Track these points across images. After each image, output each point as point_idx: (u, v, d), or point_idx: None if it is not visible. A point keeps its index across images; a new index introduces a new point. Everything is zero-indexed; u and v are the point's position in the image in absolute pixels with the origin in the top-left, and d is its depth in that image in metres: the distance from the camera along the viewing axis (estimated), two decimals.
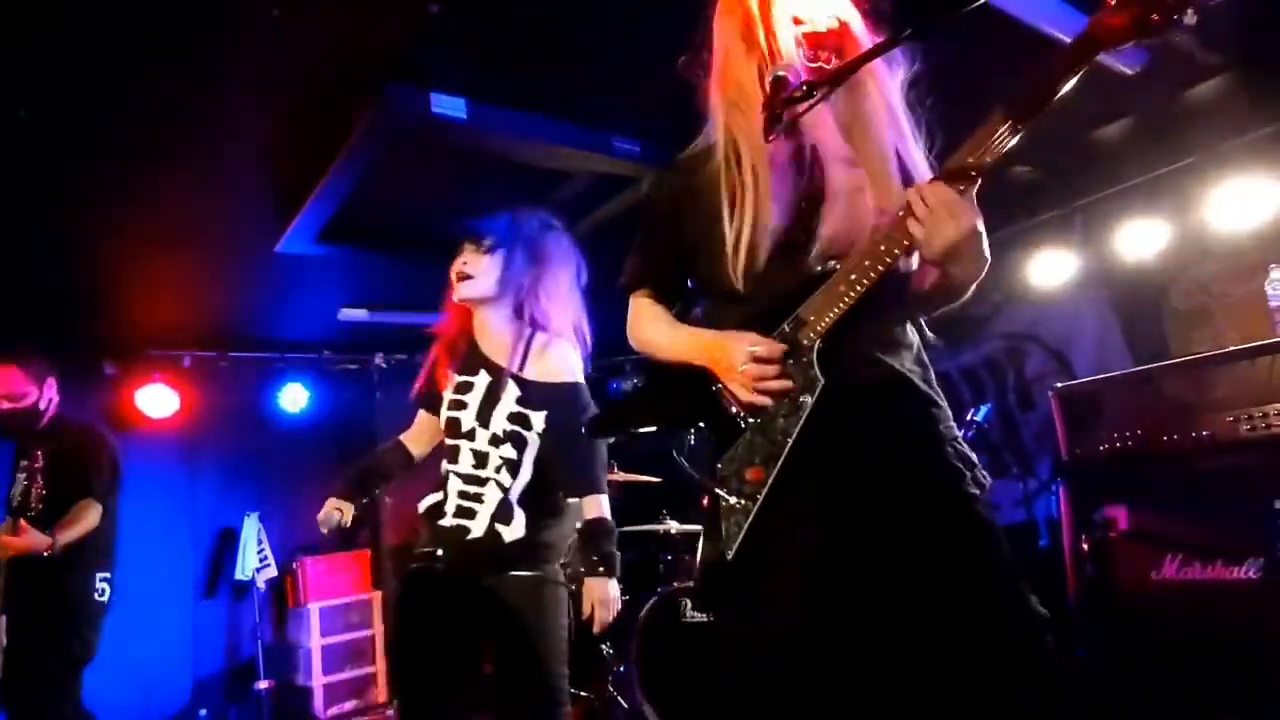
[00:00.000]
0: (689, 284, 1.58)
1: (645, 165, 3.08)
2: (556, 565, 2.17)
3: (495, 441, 2.10)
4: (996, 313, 4.78)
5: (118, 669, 4.37)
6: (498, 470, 2.08)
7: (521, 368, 2.13)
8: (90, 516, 2.96)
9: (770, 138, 1.27)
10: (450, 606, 2.06)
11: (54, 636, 2.91)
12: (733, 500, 1.32)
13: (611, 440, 2.41)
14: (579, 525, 2.19)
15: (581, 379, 2.19)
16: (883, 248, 1.24)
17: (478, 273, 2.16)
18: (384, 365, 5.55)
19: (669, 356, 1.51)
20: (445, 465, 2.17)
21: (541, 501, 2.12)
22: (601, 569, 2.11)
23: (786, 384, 1.31)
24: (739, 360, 1.33)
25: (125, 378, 4.72)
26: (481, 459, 2.09)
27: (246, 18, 2.15)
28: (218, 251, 3.68)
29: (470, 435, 2.12)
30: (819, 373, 1.29)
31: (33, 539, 2.77)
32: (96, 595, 3.03)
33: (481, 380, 2.15)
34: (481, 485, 2.08)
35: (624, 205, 3.43)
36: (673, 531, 4.21)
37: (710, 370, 1.40)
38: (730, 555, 1.29)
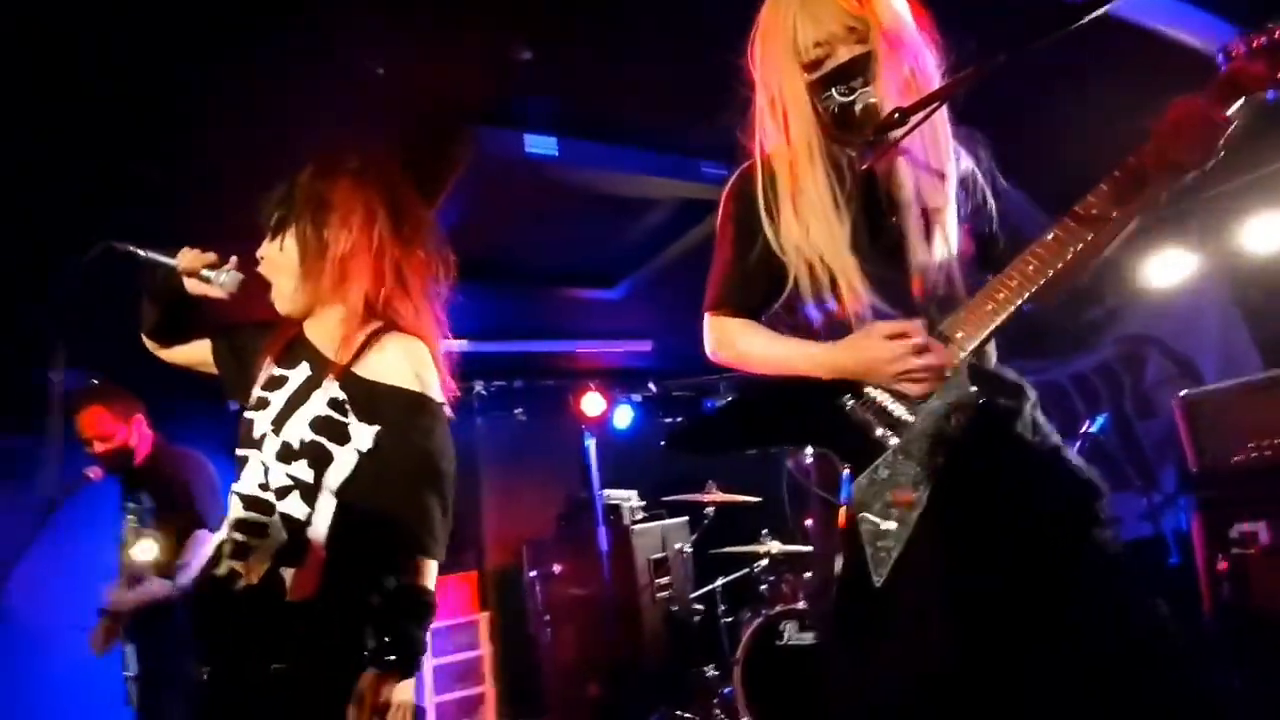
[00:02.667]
0: (772, 303, 1.51)
1: None
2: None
3: (286, 455, 1.48)
4: (1110, 317, 4.54)
5: None
6: (283, 495, 1.46)
7: (352, 362, 1.53)
8: (207, 549, 3.08)
9: (865, 165, 1.30)
10: None
11: (179, 662, 2.95)
12: (881, 524, 1.27)
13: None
14: (387, 586, 1.47)
15: (438, 396, 1.57)
16: (1032, 267, 1.27)
17: (273, 270, 1.60)
18: (485, 392, 5.73)
19: (790, 369, 1.43)
20: (232, 488, 1.55)
21: (357, 547, 1.46)
22: (393, 658, 1.39)
23: (952, 361, 1.29)
24: (900, 359, 1.28)
25: None
26: (266, 478, 1.49)
27: (354, 76, 2.30)
28: None
29: (259, 444, 1.51)
30: (971, 391, 1.28)
31: (149, 591, 2.88)
32: None
33: (299, 375, 1.56)
34: (266, 513, 1.47)
35: (713, 229, 3.45)
36: (774, 552, 4.16)
37: (853, 380, 1.36)
38: (881, 581, 1.25)
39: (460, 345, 5.01)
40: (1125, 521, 4.23)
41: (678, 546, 5.07)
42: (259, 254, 1.61)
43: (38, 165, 2.49)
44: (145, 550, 2.86)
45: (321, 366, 1.55)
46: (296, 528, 1.45)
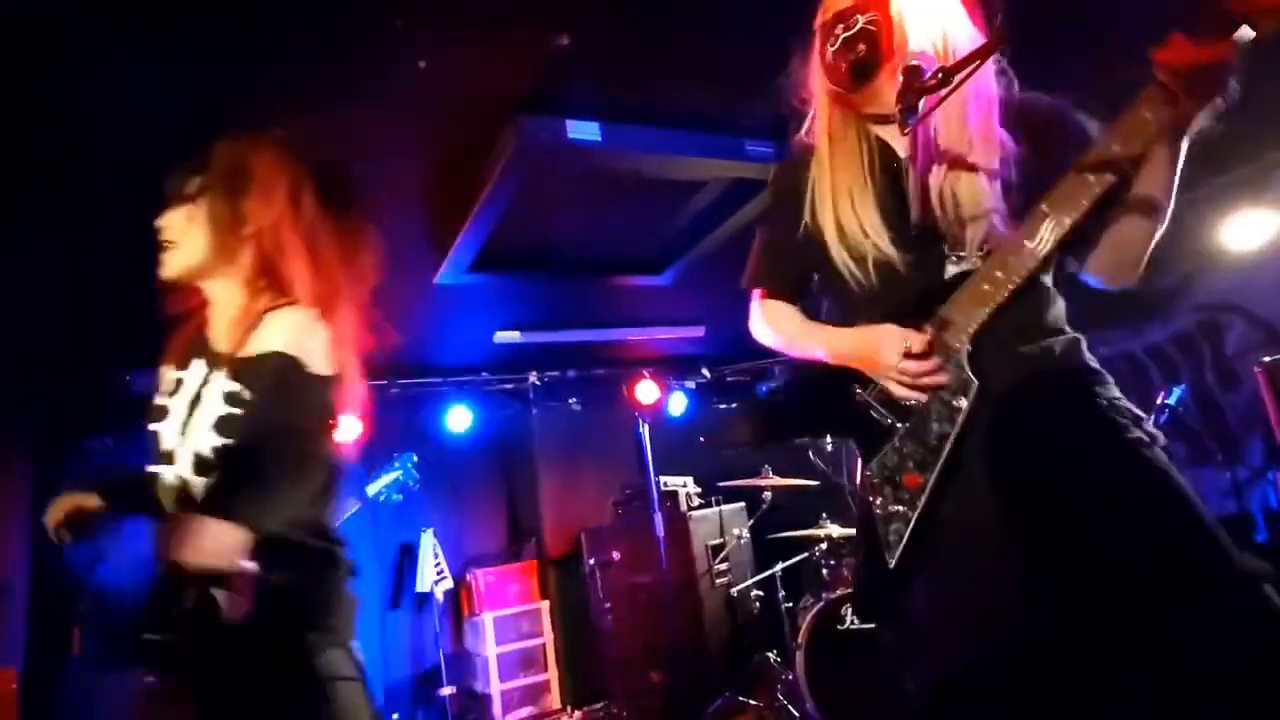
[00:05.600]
0: (810, 282, 1.56)
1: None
2: (327, 653, 1.32)
3: (201, 468, 1.35)
4: (1187, 284, 4.32)
5: None
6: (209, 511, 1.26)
7: (240, 346, 1.39)
8: None
9: (905, 130, 1.25)
10: None
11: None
12: (890, 508, 1.30)
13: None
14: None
15: (308, 359, 1.36)
16: (1027, 244, 1.23)
17: (176, 234, 1.46)
18: (538, 383, 5.77)
19: (807, 355, 1.49)
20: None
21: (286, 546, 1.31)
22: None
23: (943, 379, 1.29)
24: (892, 357, 1.31)
25: None
26: (183, 495, 1.36)
27: (394, 74, 2.31)
28: (383, 288, 3.97)
29: (170, 458, 1.39)
30: (972, 375, 1.27)
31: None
32: None
33: (194, 374, 1.44)
34: None
35: (761, 209, 3.39)
36: (834, 535, 4.10)
37: (858, 370, 1.39)
38: (893, 563, 1.27)
39: (513, 338, 5.08)
40: (1209, 498, 4.04)
41: (735, 532, 5.03)
42: (161, 222, 1.48)
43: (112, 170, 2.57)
44: None
45: (214, 359, 1.43)
46: None
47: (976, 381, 1.26)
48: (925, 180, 1.34)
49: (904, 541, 1.27)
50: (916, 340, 1.30)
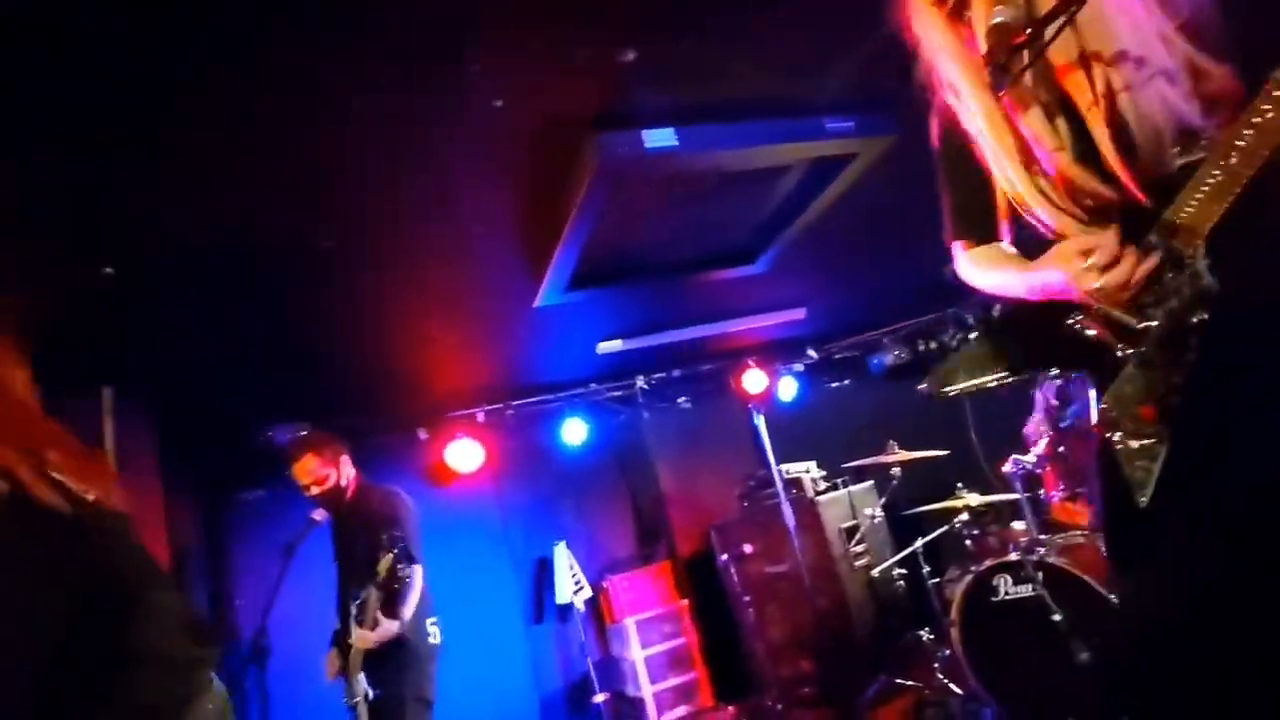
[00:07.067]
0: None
1: (863, 138, 2.94)
2: None
3: None
4: None
5: (475, 695, 4.98)
6: None
7: None
8: (418, 580, 3.33)
9: (1002, 92, 1.20)
10: None
11: (409, 683, 3.28)
12: (1133, 443, 1.17)
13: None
14: None
15: None
16: (1260, 119, 1.04)
17: None
18: (646, 386, 5.83)
19: (1009, 293, 1.40)
20: None
21: None
22: None
23: (1152, 264, 1.15)
24: (1083, 279, 1.19)
25: (434, 440, 5.41)
26: None
27: (475, 116, 2.38)
28: (489, 318, 4.12)
29: None
30: (1214, 281, 1.11)
31: (386, 631, 3.16)
32: (430, 639, 3.42)
33: None
34: None
35: (849, 183, 3.30)
36: (973, 505, 3.94)
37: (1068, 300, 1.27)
38: (1146, 500, 1.15)
39: (616, 347, 5.11)
40: None
41: (868, 512, 4.93)
42: None
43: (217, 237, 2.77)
44: (365, 638, 3.14)
45: None
46: None
47: (1218, 287, 1.11)
48: (1110, 94, 1.21)
49: (1154, 478, 1.15)
50: (1100, 249, 1.16)
